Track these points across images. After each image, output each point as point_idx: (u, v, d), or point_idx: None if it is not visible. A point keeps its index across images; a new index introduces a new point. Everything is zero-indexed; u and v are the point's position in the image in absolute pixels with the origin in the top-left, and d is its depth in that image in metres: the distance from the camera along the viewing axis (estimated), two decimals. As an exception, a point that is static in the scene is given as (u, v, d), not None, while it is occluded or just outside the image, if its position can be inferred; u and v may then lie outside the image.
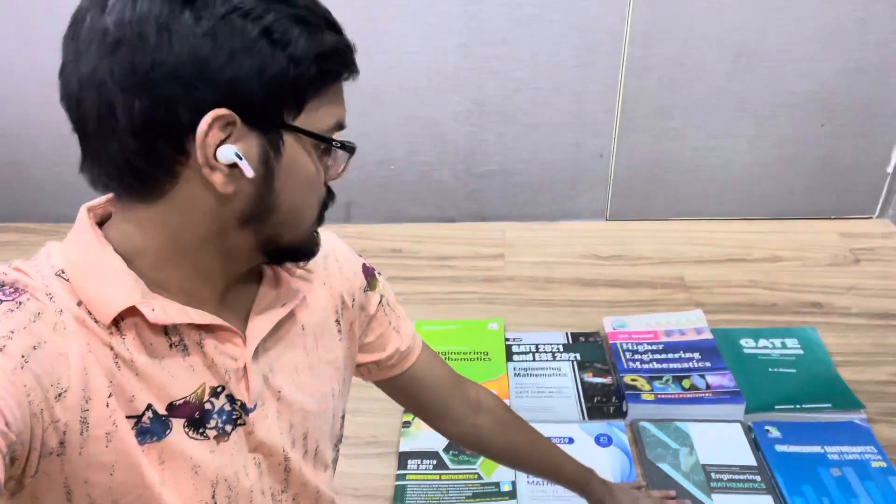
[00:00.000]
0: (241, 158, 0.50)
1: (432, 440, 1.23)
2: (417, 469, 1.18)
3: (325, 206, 0.59)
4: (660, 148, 1.87)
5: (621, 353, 1.39)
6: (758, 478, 1.12)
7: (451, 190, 1.97)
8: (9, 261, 0.53)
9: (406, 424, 1.27)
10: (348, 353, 0.72)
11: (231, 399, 0.58)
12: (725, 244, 1.84)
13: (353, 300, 0.72)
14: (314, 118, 0.53)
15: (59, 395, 0.48)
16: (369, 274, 0.74)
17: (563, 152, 1.89)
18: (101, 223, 0.55)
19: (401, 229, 1.98)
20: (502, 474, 1.16)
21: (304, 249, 0.60)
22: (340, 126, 0.56)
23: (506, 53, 1.76)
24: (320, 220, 0.60)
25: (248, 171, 0.50)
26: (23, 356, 0.46)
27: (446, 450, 1.21)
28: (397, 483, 1.16)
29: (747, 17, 1.67)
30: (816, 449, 1.17)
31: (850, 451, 1.16)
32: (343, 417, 0.74)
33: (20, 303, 0.49)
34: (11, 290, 0.49)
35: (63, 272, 0.52)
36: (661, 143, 1.86)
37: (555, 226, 1.97)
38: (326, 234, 0.69)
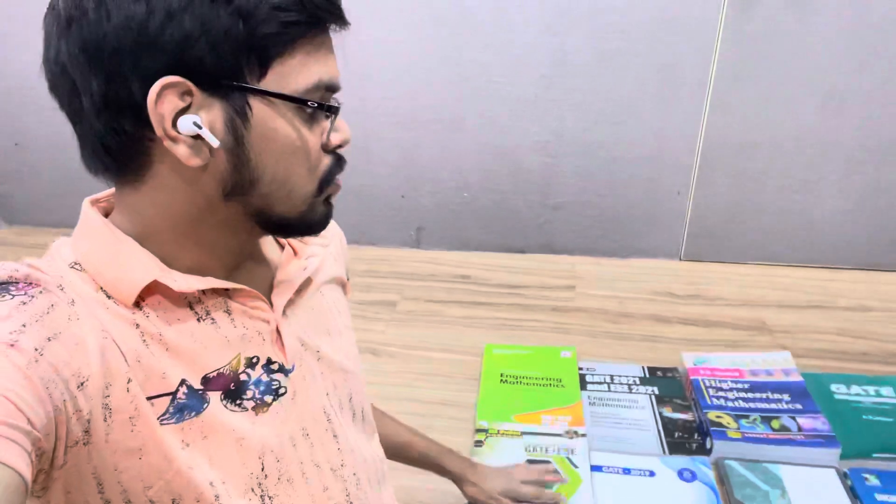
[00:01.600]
0: (200, 128, 0.47)
1: (505, 461, 1.19)
2: (490, 489, 1.13)
3: (328, 175, 0.54)
4: (741, 188, 1.83)
5: (704, 390, 1.33)
6: (858, 527, 1.04)
7: (522, 220, 1.96)
8: (18, 259, 0.52)
9: (478, 444, 1.24)
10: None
11: (268, 368, 0.57)
12: (809, 290, 1.76)
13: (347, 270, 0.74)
14: (286, 78, 0.49)
15: (81, 384, 0.47)
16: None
17: (639, 188, 1.87)
18: (107, 215, 0.55)
19: (470, 256, 1.98)
20: (581, 502, 1.10)
21: (305, 222, 0.55)
22: (328, 86, 0.51)
23: (588, 86, 1.77)
24: (321, 190, 0.54)
25: (212, 141, 0.48)
26: (36, 349, 0.44)
27: (520, 472, 1.17)
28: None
29: (839, 58, 1.64)
30: (922, 502, 1.08)
31: (959, 507, 1.07)
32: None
33: (32, 296, 0.47)
34: (25, 284, 0.48)
35: (77, 263, 0.52)
36: (743, 183, 1.82)
37: (626, 262, 1.94)
38: None
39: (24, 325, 0.45)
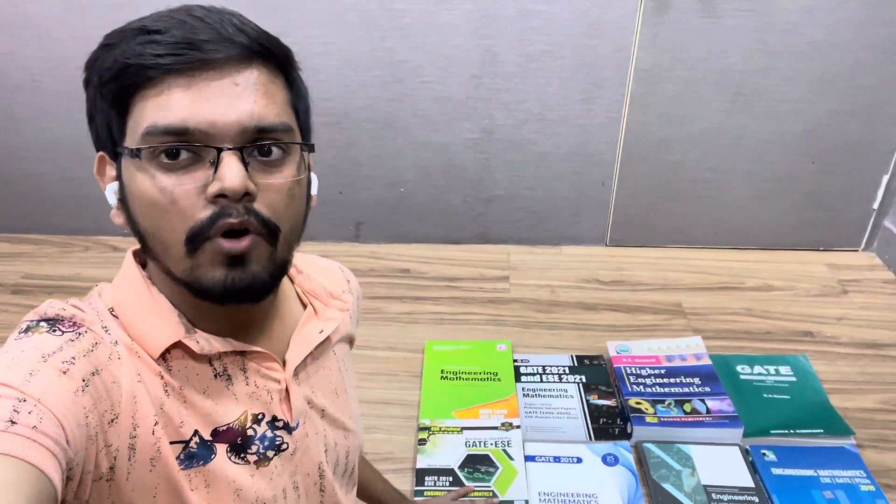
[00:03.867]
0: (105, 190, 0.55)
1: (448, 457, 1.29)
2: (434, 486, 1.24)
3: (201, 227, 0.50)
4: (659, 179, 1.95)
5: (625, 377, 1.46)
6: (755, 499, 1.19)
7: (458, 213, 2.04)
8: (66, 298, 0.57)
9: (422, 442, 1.33)
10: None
11: (273, 425, 0.61)
12: (720, 272, 1.92)
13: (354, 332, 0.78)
14: (132, 133, 0.51)
15: (112, 420, 0.51)
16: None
17: (567, 180, 1.97)
18: (145, 264, 0.59)
19: (409, 249, 2.05)
20: (516, 492, 1.22)
21: (194, 285, 0.52)
22: (167, 130, 0.49)
23: (516, 86, 1.84)
24: (192, 242, 0.50)
25: (109, 200, 0.55)
26: (83, 380, 0.49)
27: (461, 467, 1.27)
28: (415, 499, 1.21)
29: (747, 59, 1.76)
30: (810, 472, 1.25)
31: (841, 475, 1.24)
32: None
33: (80, 334, 0.52)
34: (71, 323, 0.53)
35: (113, 310, 0.56)
36: (661, 174, 1.95)
37: (557, 250, 2.05)
38: (335, 264, 0.76)
39: (73, 358, 0.50)
